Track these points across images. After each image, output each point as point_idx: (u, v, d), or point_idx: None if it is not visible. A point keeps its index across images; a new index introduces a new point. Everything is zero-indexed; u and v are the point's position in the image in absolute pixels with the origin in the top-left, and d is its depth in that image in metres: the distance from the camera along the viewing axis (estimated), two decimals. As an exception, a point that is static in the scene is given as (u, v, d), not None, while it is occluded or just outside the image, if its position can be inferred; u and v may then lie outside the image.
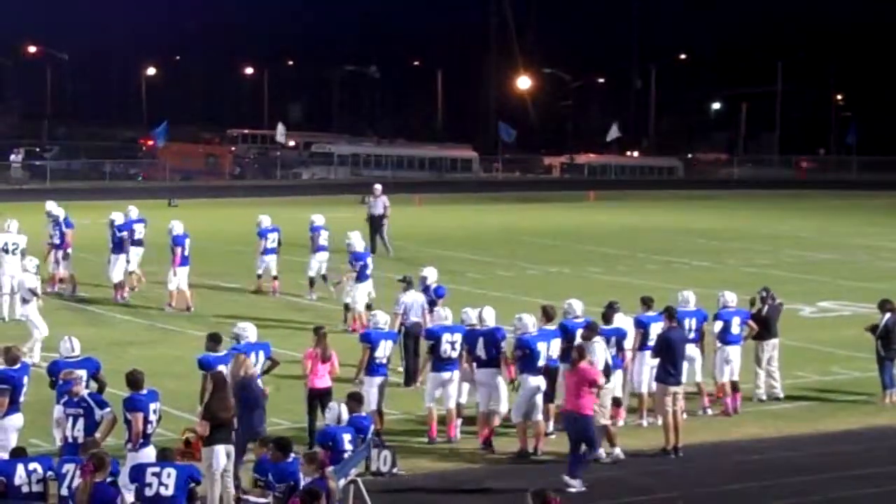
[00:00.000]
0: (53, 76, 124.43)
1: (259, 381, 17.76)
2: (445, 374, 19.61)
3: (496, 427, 19.53)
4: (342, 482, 15.05)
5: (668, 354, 19.57)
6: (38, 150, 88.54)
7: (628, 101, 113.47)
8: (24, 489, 14.15)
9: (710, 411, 21.35)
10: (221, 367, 17.62)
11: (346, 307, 28.00)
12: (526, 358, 19.11)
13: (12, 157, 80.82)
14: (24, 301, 24.74)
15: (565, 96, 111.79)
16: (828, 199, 68.25)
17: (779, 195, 71.36)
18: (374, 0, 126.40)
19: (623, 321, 20.68)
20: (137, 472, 14.21)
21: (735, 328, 21.75)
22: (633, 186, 78.72)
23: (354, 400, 17.13)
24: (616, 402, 19.74)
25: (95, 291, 31.52)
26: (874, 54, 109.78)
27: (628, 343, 20.46)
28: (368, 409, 18.19)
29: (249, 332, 18.86)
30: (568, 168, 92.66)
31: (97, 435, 15.44)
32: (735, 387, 21.65)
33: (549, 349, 19.50)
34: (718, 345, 21.64)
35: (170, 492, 14.02)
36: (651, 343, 20.37)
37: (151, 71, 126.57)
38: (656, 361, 19.88)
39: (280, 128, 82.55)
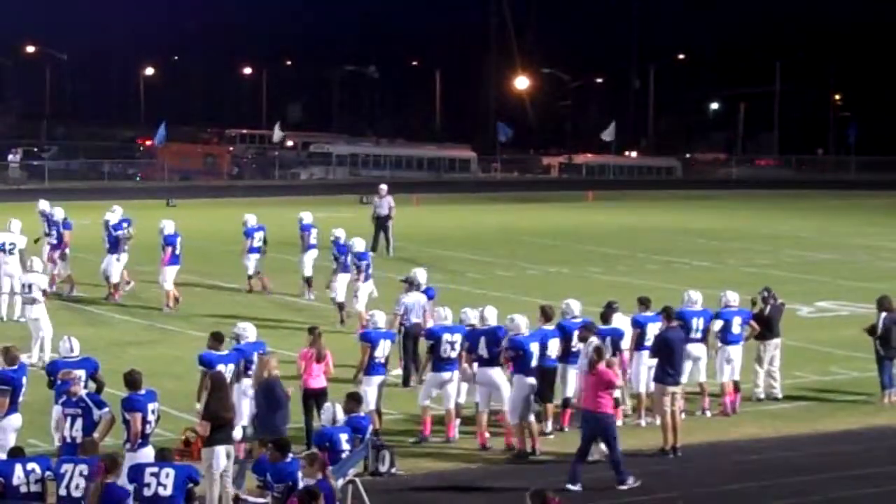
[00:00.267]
0: (52, 76, 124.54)
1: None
2: (445, 375, 19.57)
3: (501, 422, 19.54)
4: (340, 482, 15.06)
5: (667, 354, 19.56)
6: (36, 149, 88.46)
7: (627, 101, 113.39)
8: (23, 489, 14.14)
9: (708, 413, 21.33)
10: (221, 367, 17.63)
11: (340, 306, 28.02)
12: (519, 358, 19.10)
13: (10, 157, 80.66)
14: (33, 301, 24.45)
15: (564, 96, 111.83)
16: (827, 199, 68.16)
17: (778, 195, 71.29)
18: (373, 0, 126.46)
19: (622, 321, 20.69)
20: (136, 473, 14.21)
21: (736, 328, 21.73)
22: (632, 186, 78.60)
23: (353, 400, 17.12)
24: (615, 403, 19.70)
25: (94, 291, 31.47)
26: (873, 54, 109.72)
27: (625, 343, 20.45)
28: (367, 409, 18.19)
29: (249, 332, 18.88)
30: (566, 168, 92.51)
31: (95, 435, 15.43)
32: (736, 386, 21.66)
33: (547, 349, 19.50)
34: (719, 345, 21.64)
35: (168, 492, 14.02)
36: (648, 343, 20.37)
37: (150, 71, 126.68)
38: (654, 361, 19.89)
39: (277, 129, 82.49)
